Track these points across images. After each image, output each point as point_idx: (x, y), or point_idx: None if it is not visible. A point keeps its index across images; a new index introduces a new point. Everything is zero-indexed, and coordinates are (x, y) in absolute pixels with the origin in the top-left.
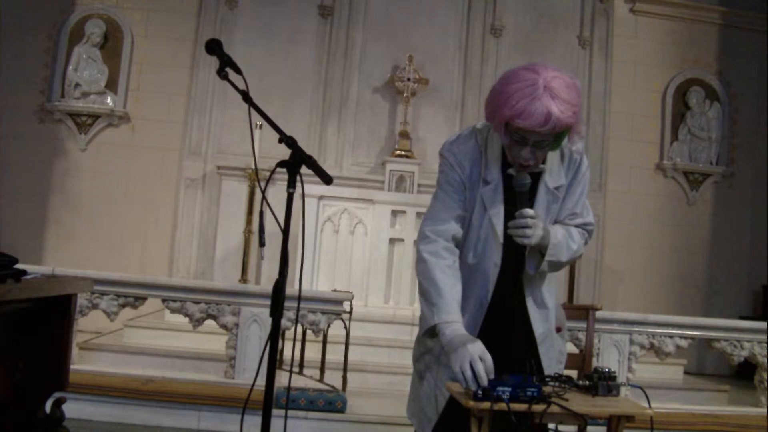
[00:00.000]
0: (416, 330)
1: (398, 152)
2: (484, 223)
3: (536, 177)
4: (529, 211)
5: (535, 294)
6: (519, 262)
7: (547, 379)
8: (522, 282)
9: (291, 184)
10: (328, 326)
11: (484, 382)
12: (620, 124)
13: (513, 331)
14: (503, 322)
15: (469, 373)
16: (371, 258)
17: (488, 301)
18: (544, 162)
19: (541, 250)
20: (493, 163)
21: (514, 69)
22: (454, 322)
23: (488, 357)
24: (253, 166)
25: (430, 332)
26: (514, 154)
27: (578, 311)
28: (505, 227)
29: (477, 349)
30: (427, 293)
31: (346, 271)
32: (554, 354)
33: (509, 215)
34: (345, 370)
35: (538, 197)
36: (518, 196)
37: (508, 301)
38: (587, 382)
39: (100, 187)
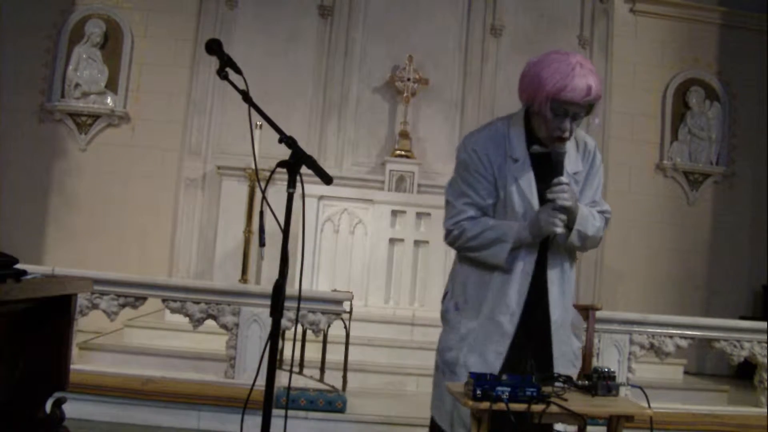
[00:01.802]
0: (416, 330)
1: (398, 152)
2: (518, 198)
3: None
4: (564, 179)
5: (560, 278)
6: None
7: (555, 375)
8: (547, 265)
9: (291, 184)
10: (328, 326)
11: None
12: (620, 124)
13: (533, 314)
14: (531, 304)
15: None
16: (371, 258)
17: (532, 272)
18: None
19: (568, 223)
20: (517, 143)
21: (542, 56)
22: (522, 229)
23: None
24: (253, 166)
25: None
26: (554, 127)
27: (578, 311)
28: (540, 197)
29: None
30: (485, 240)
31: (346, 271)
32: (567, 349)
33: (538, 190)
34: (345, 370)
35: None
36: (555, 165)
37: (536, 283)
38: (587, 382)
39: (100, 187)
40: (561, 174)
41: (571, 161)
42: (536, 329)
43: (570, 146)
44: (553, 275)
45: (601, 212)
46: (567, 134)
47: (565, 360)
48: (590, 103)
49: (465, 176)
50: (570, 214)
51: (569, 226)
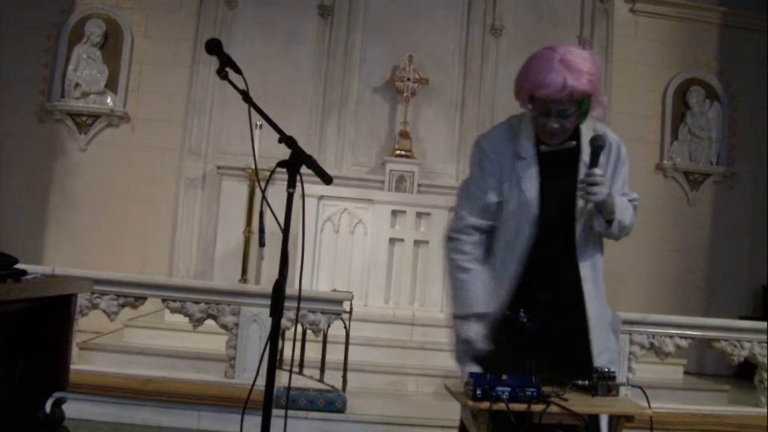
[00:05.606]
0: (416, 330)
1: (398, 152)
2: (516, 198)
3: (574, 154)
4: (599, 170)
5: (592, 273)
6: (558, 237)
7: (594, 375)
8: (577, 262)
9: (291, 184)
10: (328, 326)
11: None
12: (620, 124)
13: (567, 315)
14: (552, 300)
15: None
16: (371, 258)
17: (522, 272)
18: (578, 140)
19: (602, 213)
20: (526, 141)
21: (538, 50)
22: (469, 319)
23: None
24: (253, 166)
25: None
26: (541, 125)
27: None
28: (541, 199)
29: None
30: (457, 291)
31: (346, 271)
32: (608, 345)
33: (543, 189)
34: (345, 370)
35: (579, 172)
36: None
37: (554, 275)
38: (587, 382)
39: (100, 187)
40: (596, 165)
41: (587, 152)
42: (576, 325)
43: (587, 136)
44: (585, 271)
45: (631, 200)
46: (556, 132)
47: (609, 355)
48: (577, 99)
49: (475, 173)
50: (605, 205)
51: (608, 218)
